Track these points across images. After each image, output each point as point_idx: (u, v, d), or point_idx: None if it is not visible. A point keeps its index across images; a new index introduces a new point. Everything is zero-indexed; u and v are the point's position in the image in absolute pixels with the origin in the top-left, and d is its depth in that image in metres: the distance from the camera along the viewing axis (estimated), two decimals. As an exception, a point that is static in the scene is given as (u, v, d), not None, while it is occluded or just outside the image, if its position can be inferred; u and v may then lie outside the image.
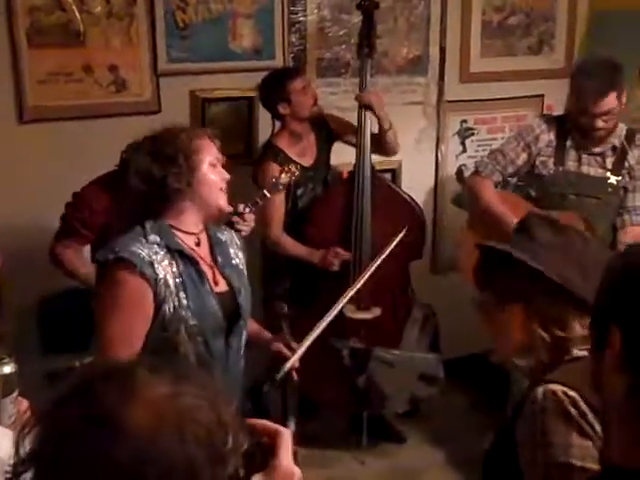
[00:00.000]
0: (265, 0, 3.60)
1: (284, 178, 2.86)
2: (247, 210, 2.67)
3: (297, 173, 2.93)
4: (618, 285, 0.95)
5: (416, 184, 3.96)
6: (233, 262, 2.20)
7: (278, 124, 3.44)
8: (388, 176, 3.88)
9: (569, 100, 3.19)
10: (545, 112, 4.10)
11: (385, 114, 3.36)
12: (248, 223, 2.65)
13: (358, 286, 2.58)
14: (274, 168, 3.19)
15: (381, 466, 3.54)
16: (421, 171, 4.06)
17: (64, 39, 3.28)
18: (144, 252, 1.99)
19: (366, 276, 2.61)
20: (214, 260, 2.15)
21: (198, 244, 2.11)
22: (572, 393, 1.35)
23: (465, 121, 4.15)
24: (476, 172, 3.30)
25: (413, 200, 3.57)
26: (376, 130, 3.40)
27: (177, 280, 2.01)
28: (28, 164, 3.27)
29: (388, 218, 3.39)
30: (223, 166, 2.14)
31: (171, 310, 2.01)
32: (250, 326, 2.30)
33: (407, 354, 3.39)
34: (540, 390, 1.39)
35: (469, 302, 3.35)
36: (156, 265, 1.99)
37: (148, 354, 1.97)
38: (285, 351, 2.24)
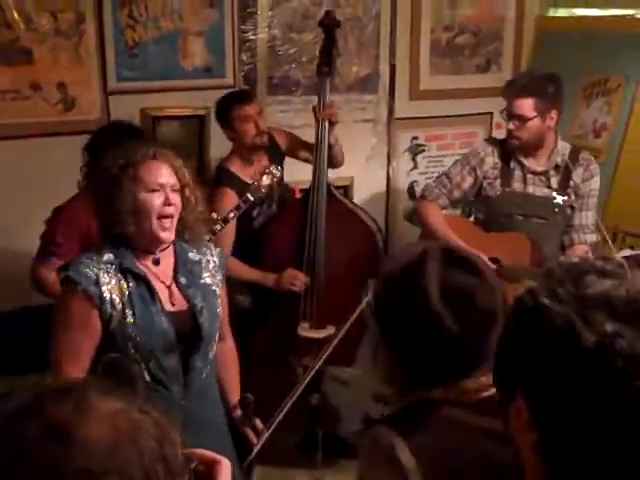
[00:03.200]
0: (215, 18, 3.62)
1: (265, 180, 2.85)
2: (231, 215, 2.72)
3: (278, 175, 2.93)
4: (519, 349, 0.93)
5: (368, 200, 3.99)
6: (202, 282, 2.18)
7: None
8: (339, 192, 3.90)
9: None
10: (494, 131, 4.17)
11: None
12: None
13: (324, 357, 2.55)
14: (228, 193, 3.17)
15: (336, 482, 3.53)
16: (372, 188, 4.10)
17: (11, 57, 3.25)
18: (92, 271, 2.02)
19: (334, 343, 2.58)
20: (175, 279, 2.14)
21: (157, 263, 2.12)
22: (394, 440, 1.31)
23: (416, 138, 4.20)
24: (422, 196, 3.30)
25: (370, 218, 3.54)
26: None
27: (124, 298, 2.04)
28: (-26, 183, 3.22)
29: (343, 237, 3.37)
30: (182, 189, 2.10)
31: (117, 328, 2.04)
32: (224, 377, 2.37)
33: (361, 373, 3.40)
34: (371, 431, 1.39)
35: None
36: (102, 284, 2.02)
37: (102, 376, 2.03)
38: (252, 437, 2.29)
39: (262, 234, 3.41)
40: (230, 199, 3.12)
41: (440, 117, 4.19)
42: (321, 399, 3.33)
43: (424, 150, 4.23)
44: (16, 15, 3.24)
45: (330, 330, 3.44)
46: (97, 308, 2.02)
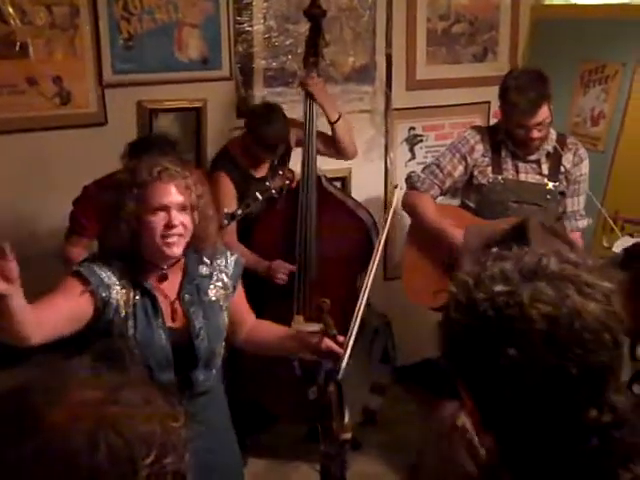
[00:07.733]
0: (211, 10, 3.60)
1: (277, 182, 2.85)
2: (239, 212, 2.72)
3: (292, 177, 2.93)
4: (459, 338, 0.96)
5: (366, 191, 3.98)
6: (206, 298, 2.15)
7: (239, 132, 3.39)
8: (337, 184, 3.88)
9: (502, 113, 3.16)
10: (491, 120, 4.15)
11: (330, 103, 3.31)
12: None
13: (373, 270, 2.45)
14: (223, 178, 3.17)
15: (338, 473, 3.53)
16: (370, 178, 4.09)
17: (6, 51, 3.23)
18: (106, 274, 2.01)
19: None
20: (179, 296, 2.12)
21: (164, 278, 2.10)
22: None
23: (413, 128, 4.19)
24: (414, 187, 3.25)
25: (365, 210, 3.49)
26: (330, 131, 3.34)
27: (129, 310, 2.03)
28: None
29: (335, 230, 3.35)
30: (187, 208, 2.02)
31: (117, 338, 2.02)
32: (273, 333, 2.35)
33: (357, 366, 3.38)
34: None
35: (421, 307, 3.33)
36: (113, 289, 2.01)
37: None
38: (336, 348, 2.18)
39: (253, 226, 3.36)
40: (225, 184, 3.12)
41: (437, 107, 4.18)
42: (318, 392, 3.30)
43: (422, 140, 4.22)
44: (11, 9, 3.23)
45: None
46: (94, 308, 1.98)
